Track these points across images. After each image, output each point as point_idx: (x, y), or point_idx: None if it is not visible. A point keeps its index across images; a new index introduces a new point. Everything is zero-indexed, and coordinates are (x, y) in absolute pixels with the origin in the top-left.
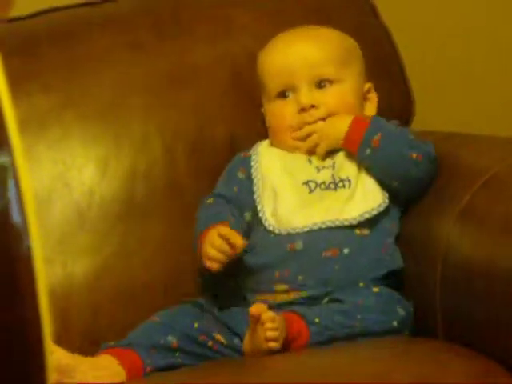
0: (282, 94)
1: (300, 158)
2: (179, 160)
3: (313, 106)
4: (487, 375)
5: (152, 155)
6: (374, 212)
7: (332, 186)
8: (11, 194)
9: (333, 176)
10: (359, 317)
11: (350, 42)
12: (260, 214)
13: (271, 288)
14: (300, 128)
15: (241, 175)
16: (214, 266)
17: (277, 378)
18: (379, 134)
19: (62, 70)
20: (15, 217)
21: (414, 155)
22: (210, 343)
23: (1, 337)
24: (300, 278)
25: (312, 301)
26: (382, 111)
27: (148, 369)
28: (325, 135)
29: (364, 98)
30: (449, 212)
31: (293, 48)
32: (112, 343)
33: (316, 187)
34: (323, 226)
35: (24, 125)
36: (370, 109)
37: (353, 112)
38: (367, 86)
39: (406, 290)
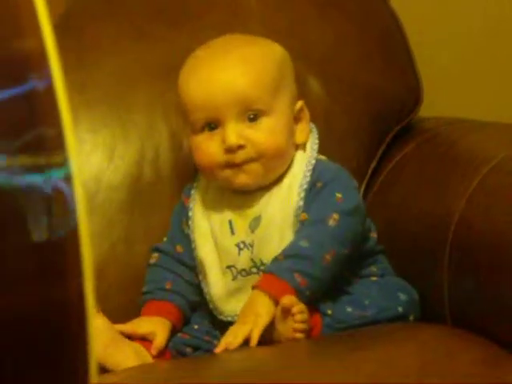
0: (208, 127)
1: (223, 222)
2: (185, 145)
3: (240, 147)
4: (494, 362)
5: (158, 141)
6: None
7: (254, 270)
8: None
9: (252, 260)
10: (367, 305)
11: (279, 56)
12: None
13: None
14: (229, 167)
15: (186, 230)
16: None
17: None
18: (297, 276)
19: (69, 59)
20: (66, 196)
21: (334, 253)
22: (215, 342)
23: (44, 314)
24: None
25: None
26: (390, 99)
27: (174, 352)
28: (254, 323)
29: (295, 118)
30: (457, 197)
31: (216, 75)
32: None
33: (237, 274)
34: None
35: None
36: (301, 132)
37: (283, 148)
38: (299, 105)
39: (413, 276)
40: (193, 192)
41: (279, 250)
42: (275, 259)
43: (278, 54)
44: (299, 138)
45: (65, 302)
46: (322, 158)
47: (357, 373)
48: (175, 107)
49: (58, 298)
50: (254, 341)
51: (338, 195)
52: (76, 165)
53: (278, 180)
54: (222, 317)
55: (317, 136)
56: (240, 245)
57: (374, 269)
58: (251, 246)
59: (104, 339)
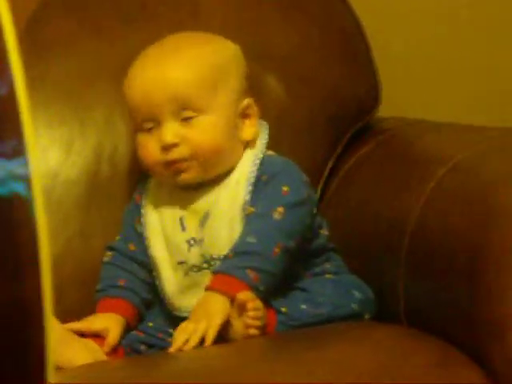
0: (147, 125)
1: (174, 219)
2: None
3: (175, 145)
4: (448, 363)
5: (116, 138)
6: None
7: (205, 265)
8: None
9: (203, 255)
10: (322, 303)
11: (228, 53)
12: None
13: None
14: (167, 164)
15: (139, 228)
16: None
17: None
18: (249, 272)
19: (27, 54)
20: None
21: (282, 245)
22: (169, 339)
23: (2, 313)
24: None
25: None
26: (349, 98)
27: (128, 349)
28: (208, 322)
29: (242, 115)
30: (414, 198)
31: (151, 73)
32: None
33: (189, 270)
34: None
35: None
36: (249, 128)
37: (220, 145)
38: (246, 101)
39: (369, 276)
40: (145, 189)
41: (228, 245)
42: (225, 258)
43: (227, 51)
44: (246, 134)
45: (24, 299)
46: (271, 153)
47: (310, 374)
48: None
49: (17, 296)
50: (209, 341)
51: (284, 188)
52: (35, 167)
53: (227, 176)
54: (177, 313)
55: (267, 132)
56: (190, 241)
57: (327, 266)
58: (201, 241)
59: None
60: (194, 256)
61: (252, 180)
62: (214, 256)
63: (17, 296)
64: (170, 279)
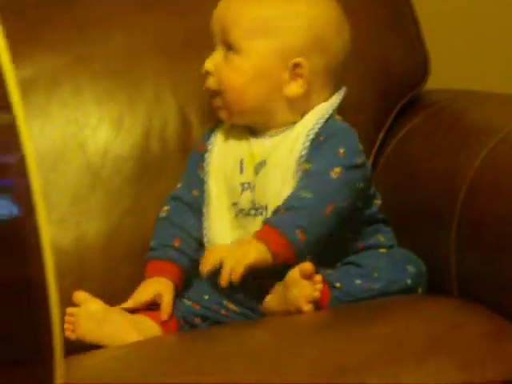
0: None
1: (235, 161)
2: (192, 119)
3: (209, 73)
4: (502, 334)
5: (165, 114)
6: None
7: (252, 212)
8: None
9: (252, 201)
10: (376, 278)
11: (298, 10)
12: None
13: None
14: (209, 96)
15: (201, 174)
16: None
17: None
18: (298, 232)
19: (71, 31)
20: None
21: (334, 205)
22: (223, 312)
23: (8, 295)
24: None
25: None
26: (399, 71)
27: (182, 322)
28: (239, 259)
29: (292, 72)
30: (465, 170)
31: (223, 3)
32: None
33: (239, 213)
34: None
35: (34, 84)
36: (293, 87)
37: (246, 87)
38: (297, 60)
39: (420, 248)
40: (213, 134)
41: (279, 196)
42: (278, 210)
43: (309, 13)
44: (289, 91)
45: (27, 281)
46: (338, 117)
47: (363, 350)
48: (183, 80)
49: (21, 277)
50: (237, 277)
51: (341, 150)
52: (28, 148)
53: (290, 128)
54: None
55: (340, 97)
56: (245, 184)
57: (381, 239)
58: (253, 187)
59: (97, 320)
60: (244, 200)
61: (311, 137)
62: (262, 204)
63: (24, 278)
64: (220, 217)
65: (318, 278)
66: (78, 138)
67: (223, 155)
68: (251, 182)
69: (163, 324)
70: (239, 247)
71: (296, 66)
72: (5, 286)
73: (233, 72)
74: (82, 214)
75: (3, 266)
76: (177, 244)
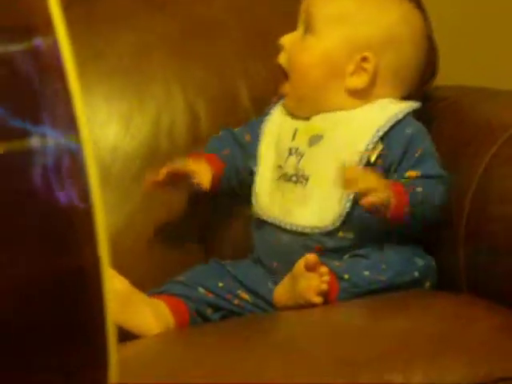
0: None
1: (290, 127)
2: (202, 116)
3: (283, 47)
4: (510, 330)
5: (175, 111)
6: (329, 227)
7: (294, 178)
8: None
9: (296, 168)
10: (384, 269)
11: (385, 7)
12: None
13: (264, 265)
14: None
15: (258, 130)
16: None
17: (298, 332)
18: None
19: (82, 28)
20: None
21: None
22: (235, 301)
23: (60, 284)
24: (286, 266)
25: None
26: None
27: (194, 314)
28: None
29: (358, 65)
30: (474, 166)
31: None
32: (150, 291)
33: (281, 176)
34: (282, 225)
35: None
36: (355, 79)
37: (312, 69)
38: (364, 54)
39: (429, 244)
40: (275, 106)
41: (322, 173)
42: (414, 193)
43: (393, 14)
44: (350, 82)
45: (80, 270)
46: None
47: (372, 348)
48: (192, 77)
49: (73, 267)
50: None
51: (436, 155)
52: (86, 130)
53: (353, 112)
54: (259, 212)
55: (417, 105)
56: (292, 149)
57: (390, 234)
58: (301, 155)
59: (122, 300)
60: (288, 164)
61: (381, 134)
62: (304, 174)
63: (75, 266)
64: (264, 177)
65: (324, 269)
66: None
67: (279, 121)
68: (301, 150)
69: (176, 313)
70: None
71: (363, 59)
72: (57, 277)
73: (302, 51)
74: None
75: (56, 257)
76: (226, 152)
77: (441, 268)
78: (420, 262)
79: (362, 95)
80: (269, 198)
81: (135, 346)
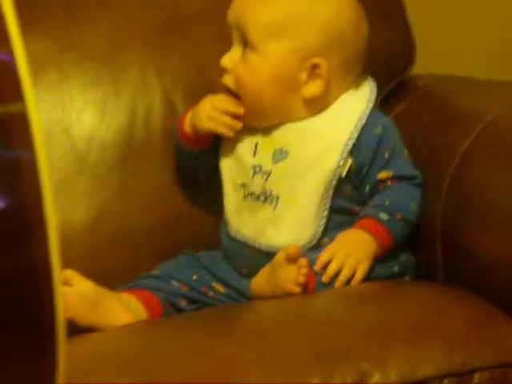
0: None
1: (250, 143)
2: (178, 104)
3: (226, 70)
4: (488, 321)
5: (151, 99)
6: (305, 246)
7: (262, 198)
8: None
9: (263, 187)
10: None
11: (318, 8)
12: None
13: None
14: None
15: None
16: (230, 132)
17: (273, 323)
18: (403, 236)
19: (60, 17)
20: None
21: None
22: (210, 294)
23: (13, 277)
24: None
25: None
26: (383, 55)
27: (166, 305)
28: (346, 263)
29: (310, 72)
30: (450, 156)
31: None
32: (123, 286)
33: (247, 195)
34: (255, 245)
35: None
36: (311, 88)
37: (263, 88)
38: (316, 60)
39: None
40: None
41: (293, 192)
42: (391, 215)
43: (327, 11)
44: (306, 92)
45: (32, 265)
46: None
47: (348, 333)
48: (168, 66)
49: (25, 262)
50: (341, 282)
51: (405, 152)
52: (38, 124)
53: (315, 121)
54: (231, 231)
55: (374, 93)
56: (256, 168)
57: None
58: (267, 174)
59: (90, 301)
60: (255, 184)
61: (350, 147)
62: (273, 194)
63: (24, 261)
64: (230, 195)
65: (304, 261)
66: (64, 122)
67: (236, 138)
68: (266, 169)
69: (148, 306)
70: (349, 246)
71: (314, 66)
72: (8, 273)
73: (249, 72)
74: (68, 198)
75: (7, 253)
76: None
77: (419, 262)
78: (401, 256)
79: (320, 100)
80: (237, 217)
81: (98, 337)
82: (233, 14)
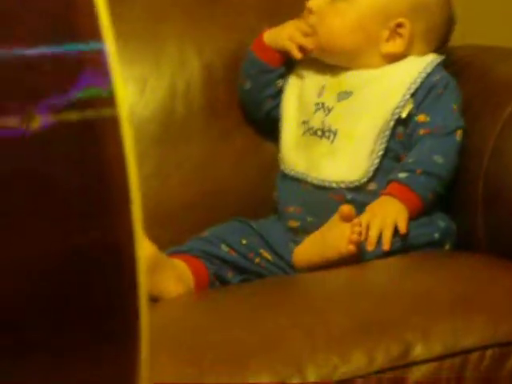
0: None
1: (316, 84)
2: (218, 78)
3: (311, 11)
4: None
5: (190, 74)
6: (355, 183)
7: (319, 133)
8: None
9: (322, 122)
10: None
11: None
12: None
13: (286, 224)
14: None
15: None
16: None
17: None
18: (430, 195)
19: None
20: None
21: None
22: (257, 260)
23: (94, 255)
24: (309, 219)
25: None
26: None
27: (213, 277)
28: (384, 224)
29: (393, 31)
30: (491, 125)
31: None
32: (173, 249)
33: (306, 131)
34: (308, 180)
35: None
36: (391, 45)
37: (343, 36)
38: (399, 20)
39: (448, 206)
40: (299, 62)
41: (352, 127)
42: (411, 171)
43: None
44: (386, 48)
45: (114, 241)
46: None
47: (392, 309)
48: (207, 39)
49: (107, 237)
50: (387, 243)
51: (454, 106)
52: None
53: (384, 70)
54: (285, 168)
55: (443, 56)
56: (319, 104)
57: None
58: (329, 110)
59: (149, 265)
60: (315, 119)
61: (412, 91)
62: (332, 128)
63: (108, 237)
64: (289, 132)
65: (357, 221)
66: None
67: (303, 76)
68: (329, 105)
69: (197, 275)
70: (378, 209)
71: (398, 25)
72: (91, 246)
73: (335, 16)
74: None
75: (90, 229)
76: None
77: (459, 230)
78: (441, 223)
79: (396, 58)
80: (294, 152)
81: (154, 311)
82: None
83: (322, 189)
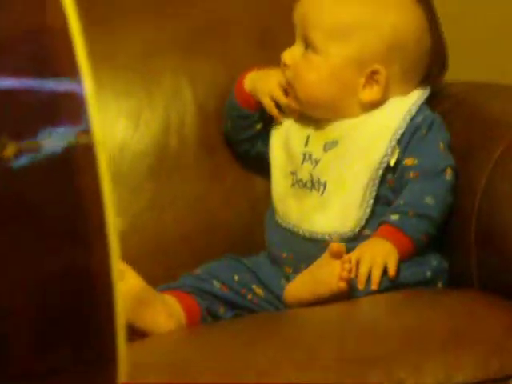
0: None
1: (301, 135)
2: (211, 112)
3: (286, 66)
4: None
5: (184, 108)
6: (348, 234)
7: (309, 185)
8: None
9: (311, 174)
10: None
11: (385, 17)
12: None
13: (282, 268)
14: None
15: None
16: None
17: (316, 331)
18: (422, 237)
19: (96, 24)
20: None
21: (447, 211)
22: (249, 296)
23: (69, 283)
24: (302, 266)
25: None
26: None
27: (205, 313)
28: (374, 262)
29: (369, 78)
30: (483, 163)
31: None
32: (165, 285)
33: (295, 183)
34: (300, 232)
35: None
36: (368, 93)
37: (320, 90)
38: (376, 67)
39: (441, 245)
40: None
41: (341, 179)
42: (403, 213)
43: (391, 20)
44: (363, 96)
45: (89, 269)
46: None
47: (383, 345)
48: (200, 73)
49: (82, 265)
50: (376, 280)
51: (441, 145)
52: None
53: (367, 117)
54: (278, 218)
55: (426, 92)
56: (306, 155)
57: None
58: (316, 162)
59: (135, 298)
60: (303, 171)
61: (398, 137)
62: (321, 180)
63: (84, 265)
64: (279, 182)
65: (347, 257)
66: None
67: (287, 126)
68: (316, 157)
69: (188, 311)
70: (367, 250)
71: (374, 72)
72: (66, 274)
73: (309, 70)
74: None
75: (63, 256)
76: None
77: (452, 268)
78: (433, 262)
79: (376, 105)
80: (285, 203)
81: (144, 345)
82: (298, 12)
83: (315, 240)
